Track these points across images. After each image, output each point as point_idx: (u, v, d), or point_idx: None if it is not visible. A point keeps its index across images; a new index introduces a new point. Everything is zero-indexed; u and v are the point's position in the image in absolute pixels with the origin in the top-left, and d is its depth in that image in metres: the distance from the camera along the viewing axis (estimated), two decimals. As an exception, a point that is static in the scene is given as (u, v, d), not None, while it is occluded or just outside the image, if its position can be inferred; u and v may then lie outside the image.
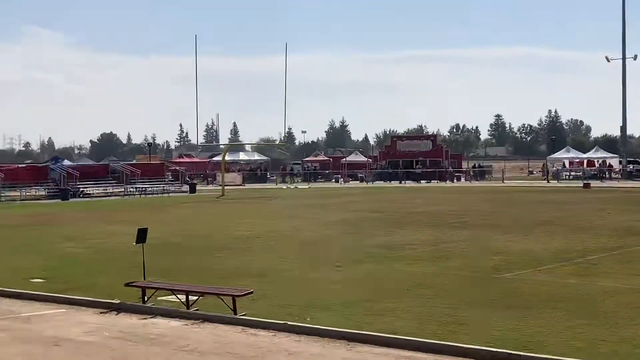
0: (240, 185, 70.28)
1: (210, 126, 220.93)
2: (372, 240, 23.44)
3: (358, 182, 74.49)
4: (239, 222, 30.67)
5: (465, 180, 73.27)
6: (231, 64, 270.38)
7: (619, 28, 76.04)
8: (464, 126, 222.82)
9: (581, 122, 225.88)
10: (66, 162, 67.39)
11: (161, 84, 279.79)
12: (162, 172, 67.64)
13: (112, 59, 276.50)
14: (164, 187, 60.26)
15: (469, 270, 17.25)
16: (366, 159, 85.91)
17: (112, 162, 74.22)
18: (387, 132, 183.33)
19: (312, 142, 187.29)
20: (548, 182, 68.15)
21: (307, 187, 66.85)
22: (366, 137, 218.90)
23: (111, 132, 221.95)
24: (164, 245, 22.64)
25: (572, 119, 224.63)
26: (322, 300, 14.01)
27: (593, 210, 33.37)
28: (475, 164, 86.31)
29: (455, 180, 72.54)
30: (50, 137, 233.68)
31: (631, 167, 73.90)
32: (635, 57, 76.54)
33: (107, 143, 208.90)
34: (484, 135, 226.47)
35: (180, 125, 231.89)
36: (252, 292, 13.43)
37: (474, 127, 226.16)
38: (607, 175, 72.12)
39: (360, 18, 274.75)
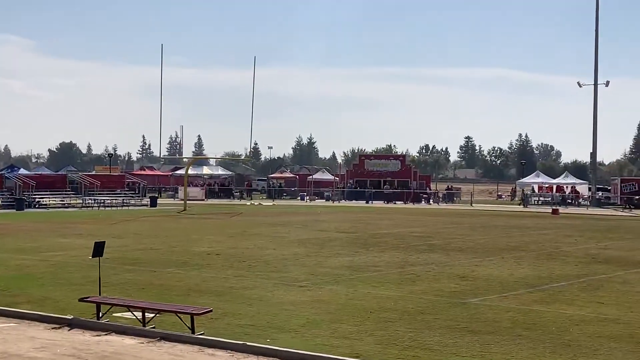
0: (202, 200, 69.71)
1: (174, 138, 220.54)
2: (337, 260, 23.15)
3: (324, 200, 74.28)
4: (199, 238, 30.23)
5: (434, 202, 73.38)
6: (198, 76, 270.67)
7: (591, 53, 76.75)
8: (433, 147, 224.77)
9: (551, 147, 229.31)
10: (22, 171, 66.43)
11: (125, 93, 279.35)
12: (122, 184, 66.95)
13: (75, 66, 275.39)
14: (123, 199, 59.49)
15: (434, 294, 17.01)
16: (333, 177, 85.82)
17: (70, 172, 73.33)
18: (356, 151, 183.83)
19: (279, 158, 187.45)
20: (525, 206, 68.69)
21: (271, 204, 66.50)
22: (334, 155, 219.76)
23: (71, 141, 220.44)
24: (122, 259, 22.28)
25: (542, 144, 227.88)
26: (283, 320, 13.70)
27: (561, 237, 33.45)
28: (448, 186, 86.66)
29: (423, 202, 72.67)
30: (6, 145, 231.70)
31: (600, 194, 74.52)
32: (607, 84, 76.97)
33: (66, 152, 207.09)
34: (454, 157, 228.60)
35: (143, 136, 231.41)
36: (211, 311, 13.11)
37: (444, 149, 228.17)
38: (574, 202, 72.72)
39: (331, 34, 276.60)
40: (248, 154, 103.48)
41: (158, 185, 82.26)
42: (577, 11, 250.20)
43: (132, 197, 62.47)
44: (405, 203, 70.39)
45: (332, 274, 20.12)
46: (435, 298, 16.46)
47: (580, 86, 79.19)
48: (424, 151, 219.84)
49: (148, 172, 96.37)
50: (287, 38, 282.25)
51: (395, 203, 70.66)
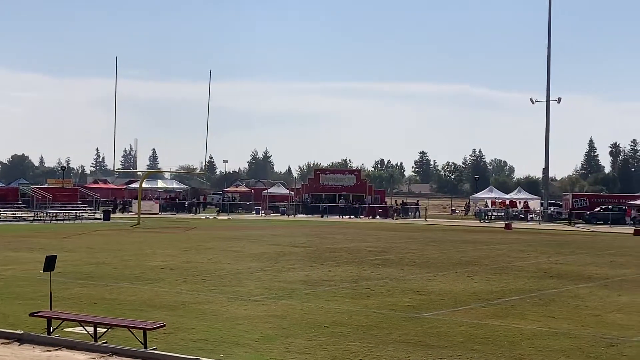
0: (157, 214, 69.16)
1: (128, 152, 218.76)
2: (292, 275, 23.12)
3: (280, 214, 74.23)
4: (153, 252, 29.98)
5: (388, 216, 73.74)
6: (153, 89, 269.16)
7: (544, 70, 77.75)
8: (388, 162, 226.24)
9: (505, 162, 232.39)
10: (-27, 184, 65.47)
11: (78, 106, 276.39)
12: (75, 198, 66.18)
13: (26, 78, 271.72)
14: (76, 213, 58.75)
15: (388, 308, 17.06)
16: (289, 191, 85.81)
17: (22, 185, 72.22)
18: (311, 165, 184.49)
19: (234, 172, 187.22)
20: (484, 221, 69.69)
21: (226, 218, 66.24)
22: (289, 169, 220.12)
23: (23, 154, 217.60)
24: (74, 274, 22.00)
25: (495, 159, 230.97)
26: (237, 335, 13.62)
27: (513, 252, 33.82)
28: (403, 201, 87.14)
29: (378, 217, 72.98)
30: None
31: (552, 209, 75.54)
32: (559, 100, 78.13)
33: (17, 165, 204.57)
34: (409, 171, 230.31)
35: (97, 149, 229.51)
36: (164, 326, 12.97)
37: (399, 163, 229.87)
38: (525, 216, 73.72)
39: (288, 48, 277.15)
40: (203, 167, 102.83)
41: (122, 199, 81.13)
42: (531, 29, 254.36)
43: (85, 210, 61.79)
44: (373, 217, 70.58)
45: (286, 288, 20.08)
46: (389, 312, 16.51)
47: (532, 103, 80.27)
48: (379, 166, 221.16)
49: (102, 185, 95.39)
50: (243, 53, 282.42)
51: (351, 217, 70.96)
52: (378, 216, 72.95)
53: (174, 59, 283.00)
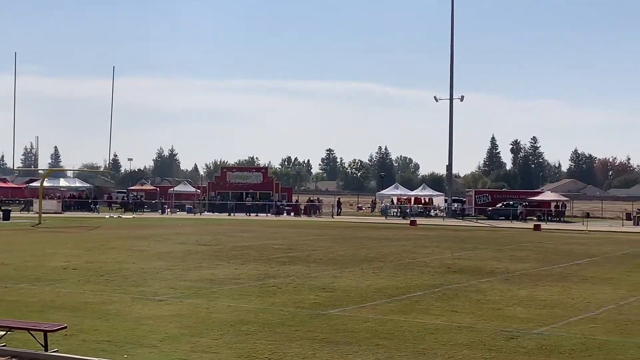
0: (59, 213, 67.53)
1: (29, 150, 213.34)
2: (198, 273, 22.94)
3: (186, 213, 73.54)
4: (55, 252, 29.25)
5: (295, 214, 73.95)
6: (54, 85, 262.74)
7: (448, 69, 79.18)
8: (295, 159, 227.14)
9: (410, 159, 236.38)
10: None
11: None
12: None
13: None
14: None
15: (294, 306, 17.10)
16: (195, 189, 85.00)
17: None
18: (218, 163, 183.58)
19: (139, 170, 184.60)
20: (386, 218, 70.72)
21: (131, 217, 65.21)
22: (196, 167, 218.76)
23: None
24: (-28, 275, 21.24)
25: (401, 156, 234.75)
26: (141, 336, 13.44)
27: (418, 248, 34.33)
28: (310, 198, 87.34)
29: (285, 214, 73.15)
30: None
31: (455, 205, 77.08)
32: (462, 98, 79.62)
33: None
34: (316, 169, 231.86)
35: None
36: (65, 327, 12.68)
37: (306, 161, 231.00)
38: (428, 212, 75.11)
39: (193, 44, 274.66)
40: (107, 166, 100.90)
41: (7, 198, 78.83)
42: (435, 28, 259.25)
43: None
44: (267, 215, 70.64)
45: (192, 287, 19.92)
46: (296, 310, 16.56)
47: (436, 100, 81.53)
48: (286, 163, 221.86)
49: (1, 184, 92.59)
50: (149, 49, 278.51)
51: (258, 215, 70.92)
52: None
53: (76, 55, 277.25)
